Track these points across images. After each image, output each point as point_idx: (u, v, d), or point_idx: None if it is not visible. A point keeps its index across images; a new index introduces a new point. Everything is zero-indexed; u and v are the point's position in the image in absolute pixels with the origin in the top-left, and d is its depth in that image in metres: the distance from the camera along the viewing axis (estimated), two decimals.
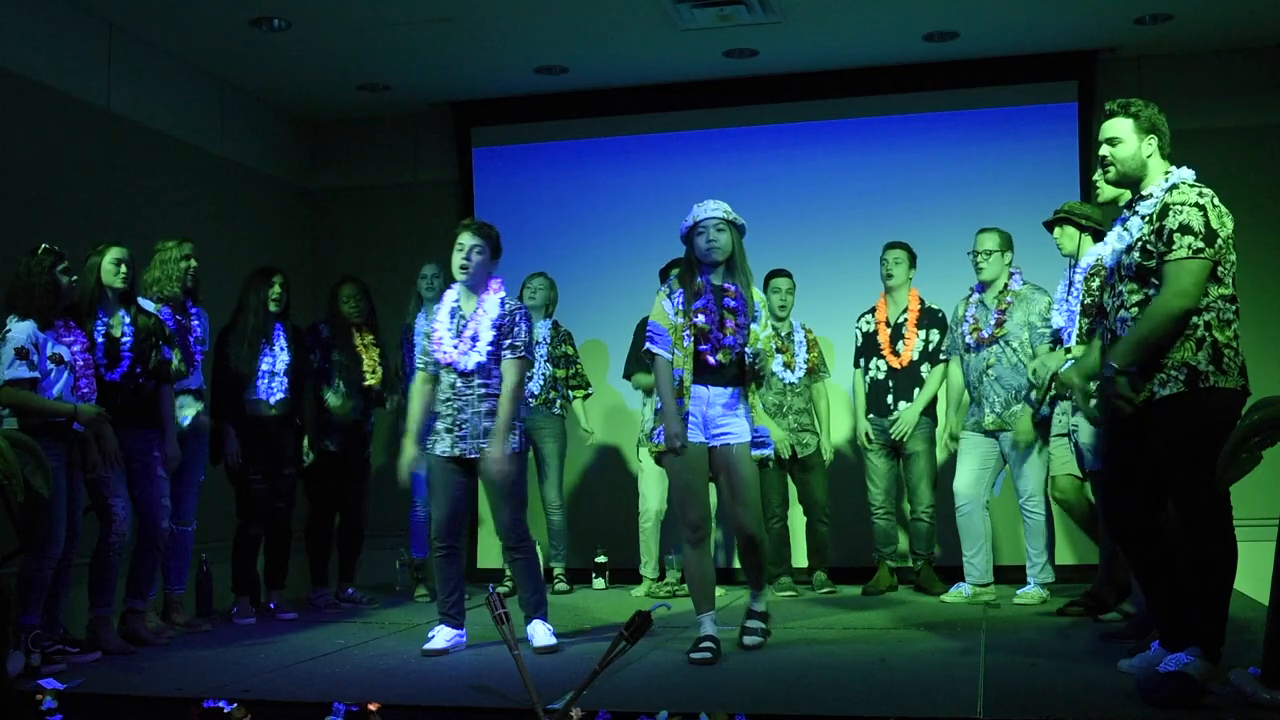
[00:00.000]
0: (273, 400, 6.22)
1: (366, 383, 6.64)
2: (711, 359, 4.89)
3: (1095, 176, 5.24)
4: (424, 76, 7.86)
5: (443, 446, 5.17)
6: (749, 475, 4.95)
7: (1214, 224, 3.90)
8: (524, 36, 7.18)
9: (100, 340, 5.39)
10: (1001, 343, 6.15)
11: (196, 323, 6.06)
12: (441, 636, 5.17)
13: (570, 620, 5.92)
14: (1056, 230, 5.68)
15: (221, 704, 4.07)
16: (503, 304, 5.21)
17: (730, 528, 5.03)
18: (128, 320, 5.50)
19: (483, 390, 5.14)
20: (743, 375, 4.96)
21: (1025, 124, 7.71)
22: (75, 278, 5.15)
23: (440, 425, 5.20)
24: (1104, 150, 4.15)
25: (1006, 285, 6.23)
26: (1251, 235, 7.02)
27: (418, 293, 6.95)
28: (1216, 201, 3.97)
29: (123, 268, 5.45)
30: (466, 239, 5.17)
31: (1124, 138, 4.11)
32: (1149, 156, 4.10)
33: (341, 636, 5.66)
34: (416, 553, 7.07)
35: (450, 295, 5.29)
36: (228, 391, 6.19)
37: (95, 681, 4.62)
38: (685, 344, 4.90)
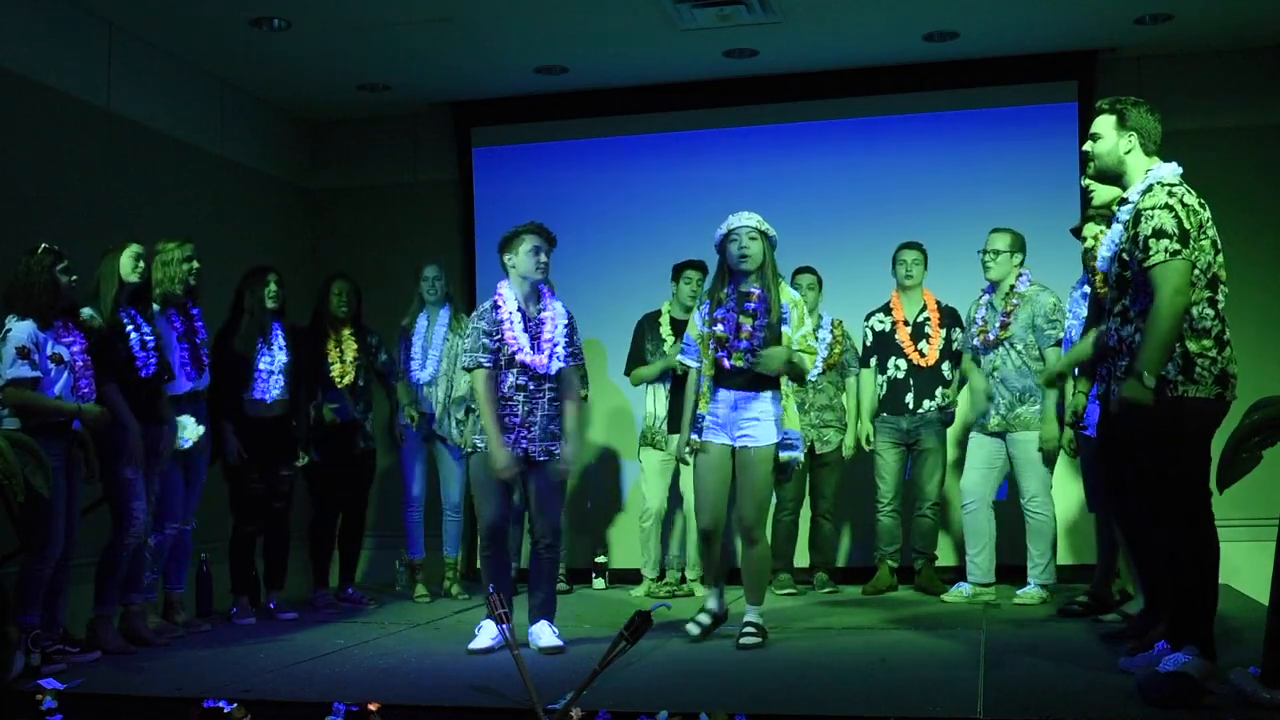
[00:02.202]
0: (270, 399, 6.21)
1: (340, 384, 6.59)
2: (727, 363, 5.06)
3: (1084, 180, 5.25)
4: (424, 76, 7.85)
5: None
6: (759, 481, 5.05)
7: (1186, 224, 3.89)
8: (524, 36, 7.18)
9: (136, 337, 5.45)
10: (1006, 345, 6.15)
11: (199, 324, 6.04)
12: (486, 634, 5.16)
13: (570, 620, 5.91)
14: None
15: (221, 704, 4.08)
16: (566, 309, 5.30)
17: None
18: (142, 319, 5.54)
19: (551, 394, 5.20)
20: (770, 377, 5.05)
21: (1025, 124, 7.69)
22: (75, 277, 5.15)
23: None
24: (1086, 146, 4.21)
25: (1013, 287, 6.22)
26: (1251, 235, 7.06)
27: (420, 294, 6.96)
28: (1187, 199, 3.95)
29: (140, 263, 5.49)
30: (539, 241, 5.20)
31: (1103, 134, 4.15)
32: (1127, 153, 4.11)
33: (341, 636, 5.66)
34: (413, 553, 7.07)
35: (510, 294, 5.22)
36: (227, 390, 6.18)
37: (95, 681, 4.63)
38: (710, 351, 5.09)
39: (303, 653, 5.21)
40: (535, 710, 3.82)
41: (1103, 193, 5.15)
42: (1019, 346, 6.12)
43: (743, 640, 5.04)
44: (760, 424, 5.05)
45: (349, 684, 4.50)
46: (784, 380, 5.09)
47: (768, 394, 5.07)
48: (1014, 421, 6.14)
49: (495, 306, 5.21)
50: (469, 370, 5.23)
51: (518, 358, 5.13)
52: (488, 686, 4.33)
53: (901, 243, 6.84)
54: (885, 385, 6.77)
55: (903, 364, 6.71)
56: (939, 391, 6.68)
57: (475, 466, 5.25)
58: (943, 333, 6.71)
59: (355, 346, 6.67)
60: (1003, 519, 6.40)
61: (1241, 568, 6.00)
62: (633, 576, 7.22)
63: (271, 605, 6.38)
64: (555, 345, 5.18)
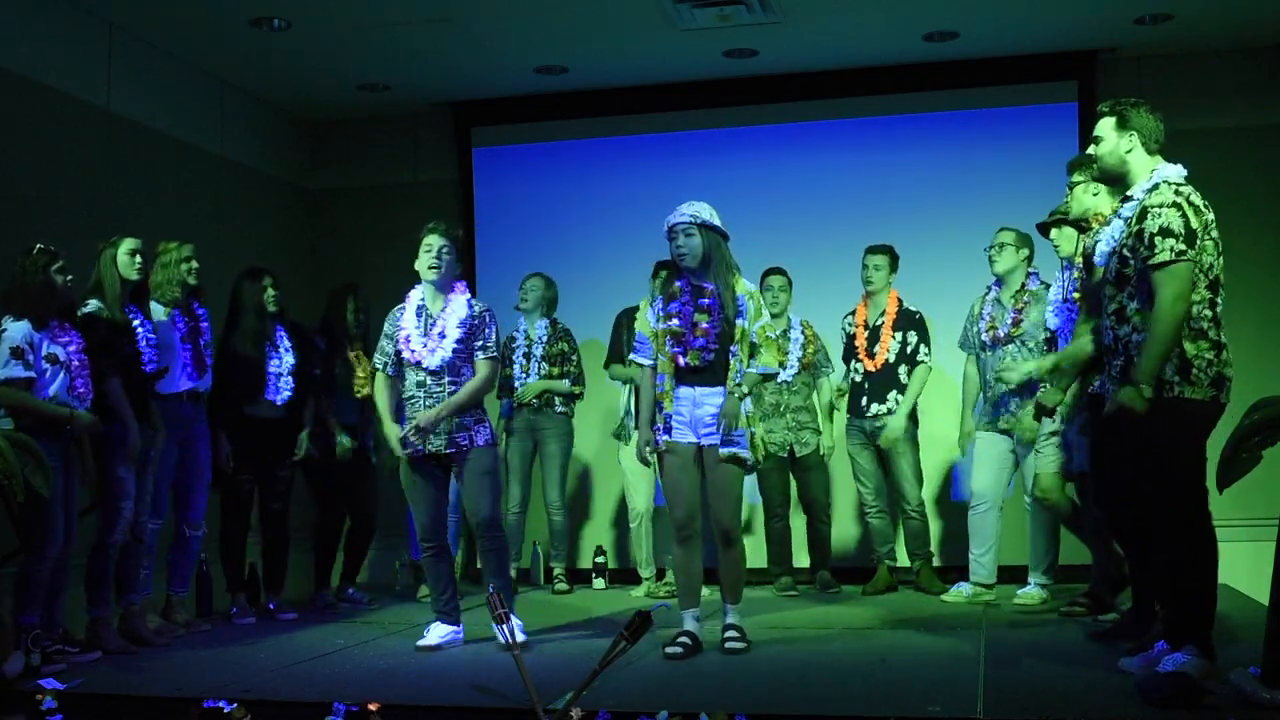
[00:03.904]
0: (280, 401, 6.21)
1: (358, 394, 6.61)
2: (681, 360, 4.96)
3: (1067, 196, 5.26)
4: (424, 76, 7.86)
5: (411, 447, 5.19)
6: (728, 478, 4.97)
7: (1194, 224, 3.90)
8: (524, 36, 7.18)
9: (152, 335, 5.49)
10: (1018, 342, 6.13)
11: (204, 324, 6.04)
12: (435, 633, 5.24)
13: (570, 620, 5.92)
14: (1054, 232, 5.66)
15: (221, 704, 4.07)
16: (470, 305, 5.27)
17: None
18: (142, 317, 5.55)
19: (452, 389, 5.18)
20: (724, 372, 4.95)
21: (1025, 124, 7.69)
22: (70, 277, 5.15)
23: (399, 429, 5.24)
24: (1090, 149, 4.22)
25: (1024, 285, 6.21)
26: (1251, 235, 7.06)
27: None
28: (1194, 199, 3.96)
29: (137, 259, 5.49)
30: (435, 240, 5.24)
31: (1104, 135, 4.16)
32: (1128, 152, 4.12)
33: (341, 636, 5.66)
34: (415, 555, 7.07)
35: (415, 295, 5.32)
36: (226, 394, 6.15)
37: (95, 681, 4.62)
38: (665, 348, 4.98)
39: (303, 653, 5.21)
40: (535, 710, 3.82)
41: (1080, 204, 5.16)
42: (1030, 344, 6.11)
43: (728, 645, 4.98)
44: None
45: (349, 684, 4.50)
46: (731, 376, 4.93)
47: (724, 389, 4.96)
48: (1024, 418, 6.11)
49: (401, 309, 5.31)
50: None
51: (402, 354, 5.22)
52: (488, 686, 4.33)
53: (867, 246, 6.83)
54: (849, 387, 6.82)
55: (859, 367, 6.73)
56: (891, 395, 6.68)
57: (401, 474, 5.31)
58: (896, 336, 6.70)
59: (367, 360, 6.69)
60: (1002, 519, 6.39)
61: (1241, 568, 6.00)
62: (632, 576, 7.22)
63: (271, 605, 6.37)
64: (444, 339, 5.18)
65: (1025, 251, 6.23)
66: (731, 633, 5.04)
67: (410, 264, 7.13)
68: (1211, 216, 3.98)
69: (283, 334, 6.28)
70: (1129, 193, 4.12)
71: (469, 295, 5.32)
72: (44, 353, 5.00)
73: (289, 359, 6.26)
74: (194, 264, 5.95)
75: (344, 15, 6.79)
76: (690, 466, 5.01)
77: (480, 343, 5.23)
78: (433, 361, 5.16)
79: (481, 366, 5.24)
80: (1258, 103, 7.48)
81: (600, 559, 7.46)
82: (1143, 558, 4.63)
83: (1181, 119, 6.66)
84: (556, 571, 7.18)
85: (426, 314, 5.25)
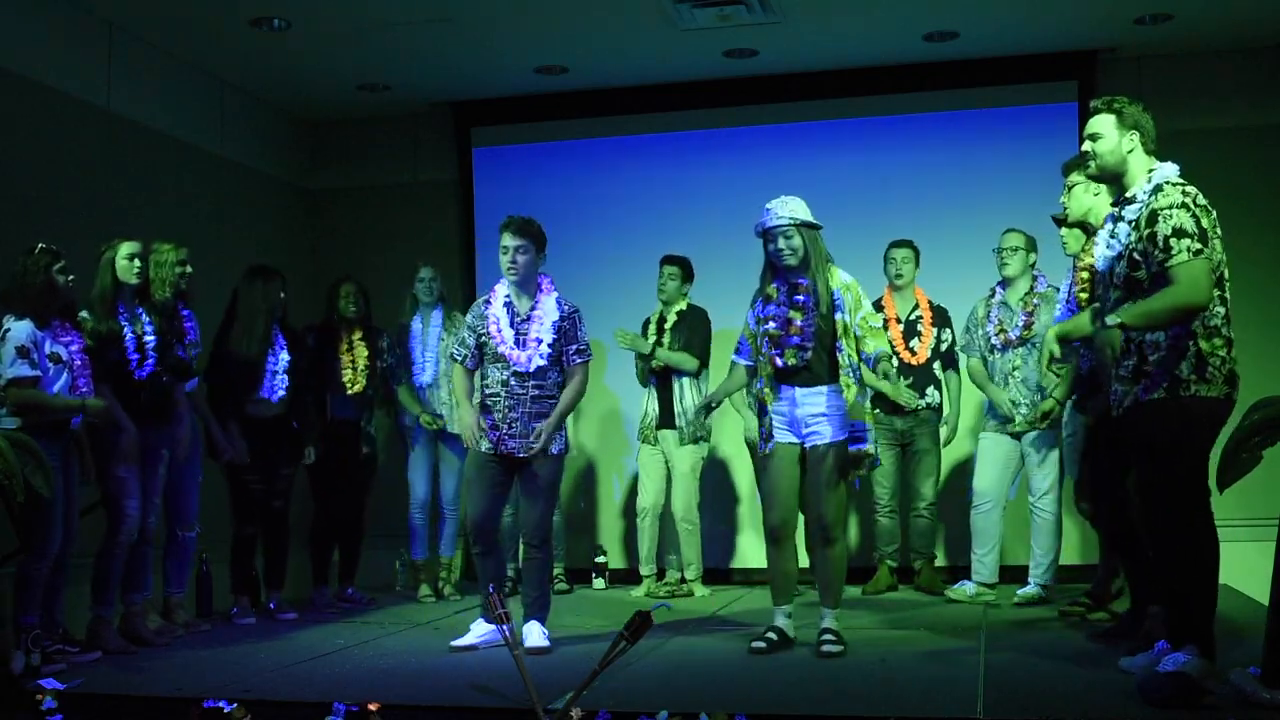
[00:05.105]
0: (276, 399, 6.21)
1: (350, 391, 6.61)
2: (779, 362, 4.92)
3: (1062, 198, 5.24)
4: (424, 76, 7.85)
5: (486, 444, 5.16)
6: (828, 477, 4.89)
7: (1204, 223, 3.90)
8: (524, 36, 7.18)
9: (130, 337, 5.42)
10: (1029, 345, 6.13)
11: (189, 325, 6.04)
12: (476, 631, 5.22)
13: (570, 620, 5.92)
14: (1064, 230, 5.64)
15: (221, 704, 4.07)
16: (560, 305, 5.23)
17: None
18: (146, 318, 5.53)
19: (536, 391, 5.15)
20: (834, 371, 4.90)
21: (1025, 124, 7.69)
22: (72, 277, 5.14)
23: (483, 422, 5.19)
24: (1086, 145, 4.18)
25: (1032, 287, 6.20)
26: (1251, 235, 7.06)
27: (414, 295, 6.97)
28: (1200, 199, 3.96)
29: (136, 262, 5.48)
30: (509, 240, 5.15)
31: (1105, 134, 4.12)
32: (1129, 153, 4.10)
33: (341, 636, 5.66)
34: (416, 554, 7.07)
35: (501, 291, 5.24)
36: (231, 390, 6.17)
37: (95, 681, 4.62)
38: (765, 350, 4.95)
39: (303, 653, 5.21)
40: (535, 710, 3.82)
41: (1079, 204, 5.15)
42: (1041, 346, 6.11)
43: (824, 649, 4.86)
44: (826, 419, 4.89)
45: (349, 684, 4.50)
46: (842, 372, 4.88)
47: (826, 388, 4.90)
48: (1034, 420, 6.10)
49: (486, 302, 5.26)
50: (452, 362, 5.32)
51: (499, 351, 5.14)
52: (488, 686, 4.33)
53: (892, 241, 6.84)
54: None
55: (894, 362, 6.70)
56: (929, 390, 6.68)
57: (466, 465, 5.29)
58: (934, 332, 6.71)
59: (366, 352, 6.66)
60: (1004, 520, 6.39)
61: (1241, 568, 5.99)
62: (633, 576, 7.22)
63: (271, 605, 6.37)
64: (540, 343, 5.14)
65: (1033, 256, 6.24)
66: (827, 636, 4.92)
67: (411, 263, 7.19)
68: (1215, 215, 3.98)
69: (277, 332, 6.28)
70: (1128, 194, 4.10)
71: (557, 293, 5.27)
72: (47, 351, 5.00)
73: (284, 356, 6.26)
74: (188, 268, 5.94)
75: (344, 15, 6.79)
76: (791, 468, 4.97)
77: (575, 346, 5.21)
78: (530, 365, 5.13)
79: (579, 370, 5.22)
80: (1258, 103, 7.48)
81: (600, 559, 7.45)
82: (1140, 557, 4.64)
83: (1181, 119, 6.68)
84: (556, 571, 7.17)
85: (515, 313, 5.19)
